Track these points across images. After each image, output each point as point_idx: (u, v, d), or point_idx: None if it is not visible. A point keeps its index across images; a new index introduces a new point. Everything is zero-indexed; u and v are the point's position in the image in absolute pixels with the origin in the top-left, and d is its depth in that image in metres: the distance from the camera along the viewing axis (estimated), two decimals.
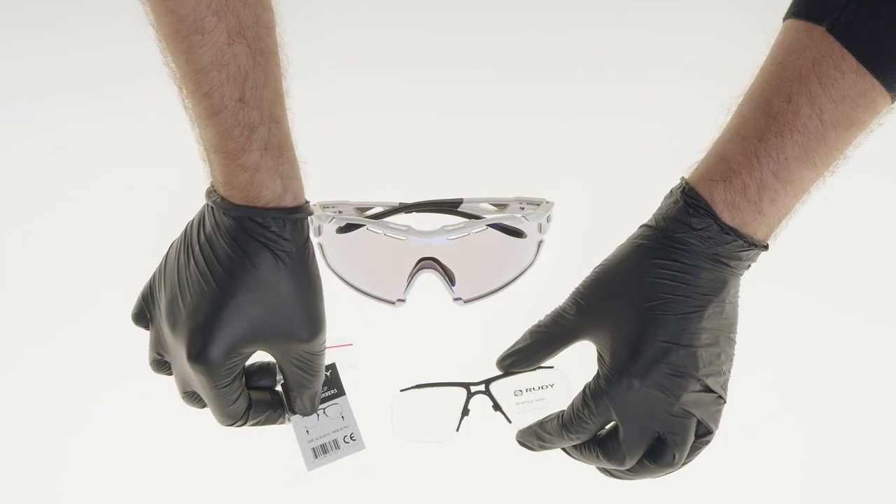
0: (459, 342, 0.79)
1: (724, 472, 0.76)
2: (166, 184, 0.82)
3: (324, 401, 0.72)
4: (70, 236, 0.83)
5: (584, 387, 0.64)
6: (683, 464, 0.65)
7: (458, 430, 0.75)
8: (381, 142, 0.83)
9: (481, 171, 0.83)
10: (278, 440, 0.74)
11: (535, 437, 0.68)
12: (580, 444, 0.66)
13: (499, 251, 0.78)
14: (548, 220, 0.79)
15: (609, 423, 0.65)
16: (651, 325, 0.61)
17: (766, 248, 0.63)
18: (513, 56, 0.85)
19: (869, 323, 0.79)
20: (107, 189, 0.84)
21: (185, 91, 0.61)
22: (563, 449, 0.68)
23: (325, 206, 0.80)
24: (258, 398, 0.68)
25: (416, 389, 0.75)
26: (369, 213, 0.81)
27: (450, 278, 0.78)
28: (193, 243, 0.64)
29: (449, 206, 0.81)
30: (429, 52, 0.85)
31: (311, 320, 0.64)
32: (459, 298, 0.78)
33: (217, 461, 0.77)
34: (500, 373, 0.71)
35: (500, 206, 0.82)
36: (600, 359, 0.64)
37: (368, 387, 0.76)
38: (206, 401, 0.66)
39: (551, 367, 0.75)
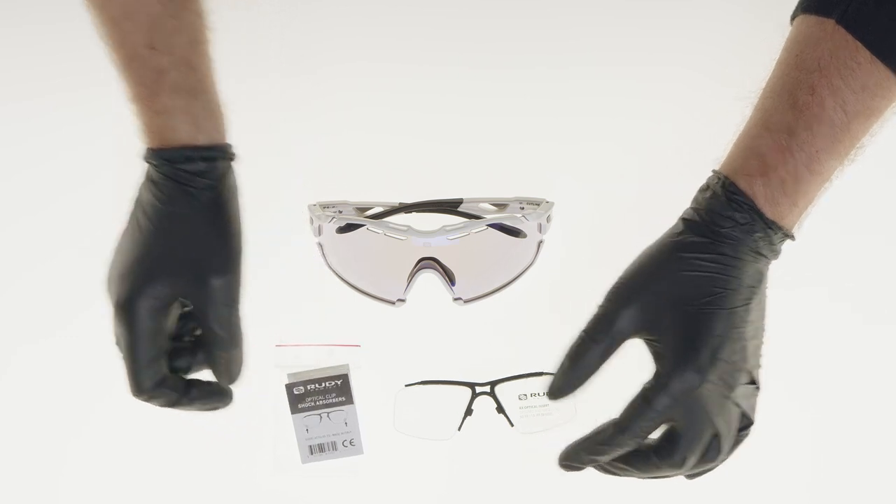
0: (459, 342, 0.79)
1: (726, 471, 0.76)
2: None
3: (331, 406, 0.72)
4: (69, 236, 0.83)
5: (642, 388, 0.63)
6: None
7: (460, 429, 0.75)
8: (381, 141, 0.83)
9: (481, 171, 0.83)
10: (274, 434, 0.74)
11: (584, 451, 0.65)
12: (633, 453, 0.64)
13: (499, 251, 0.78)
14: (548, 220, 0.79)
15: (666, 423, 0.63)
16: (707, 321, 0.61)
17: (794, 239, 0.64)
18: (513, 55, 0.85)
19: (869, 323, 0.80)
20: (105, 189, 0.84)
21: (106, 45, 0.64)
22: (607, 467, 0.66)
23: (325, 206, 0.80)
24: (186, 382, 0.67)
25: (421, 386, 0.75)
26: (369, 213, 0.81)
27: (450, 278, 0.78)
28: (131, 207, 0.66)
29: (449, 206, 0.82)
30: (429, 51, 0.85)
31: (223, 254, 0.65)
32: (459, 298, 0.78)
33: (214, 455, 0.77)
34: (504, 376, 0.72)
35: (500, 206, 0.82)
36: (657, 356, 0.63)
37: (367, 386, 0.76)
38: (123, 360, 0.64)
39: None
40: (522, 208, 0.80)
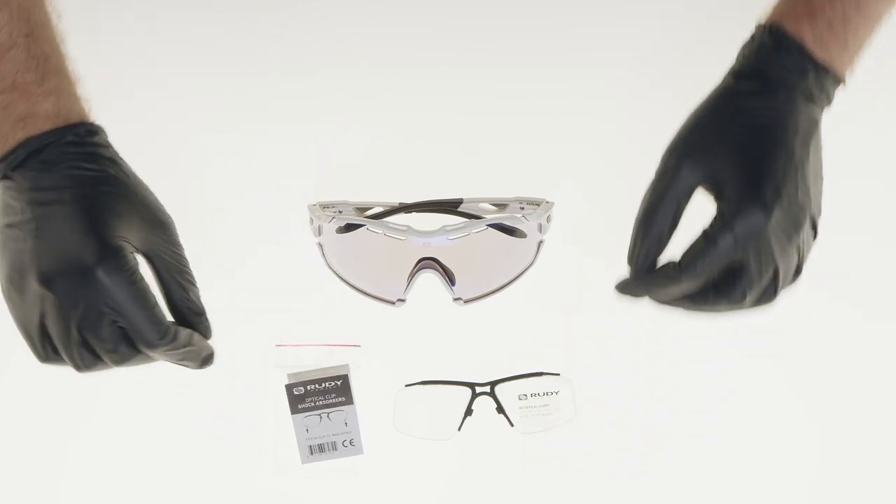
0: (459, 342, 0.79)
1: (726, 472, 0.76)
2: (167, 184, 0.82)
3: (331, 407, 0.72)
4: None
5: (704, 231, 0.62)
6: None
7: (460, 429, 0.75)
8: (381, 141, 0.83)
9: (481, 171, 0.83)
10: (274, 434, 0.74)
11: (645, 284, 0.65)
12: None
13: (499, 251, 0.78)
14: (548, 220, 0.79)
15: (729, 262, 0.62)
16: (769, 162, 0.61)
17: (845, 84, 0.64)
18: (513, 55, 0.85)
19: (869, 320, 0.80)
20: None
21: None
22: (664, 301, 0.65)
23: (325, 206, 0.80)
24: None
25: (421, 386, 0.75)
26: (369, 213, 0.81)
27: (450, 278, 0.78)
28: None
29: (449, 206, 0.81)
30: (429, 51, 0.85)
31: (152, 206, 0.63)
32: (459, 298, 0.78)
33: (214, 455, 0.77)
34: (504, 376, 0.72)
35: (500, 206, 0.82)
36: (720, 197, 0.62)
37: (367, 386, 0.76)
38: (126, 314, 0.59)
39: (557, 374, 0.75)
40: (522, 208, 0.80)
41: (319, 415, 0.71)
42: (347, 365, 0.73)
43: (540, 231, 0.78)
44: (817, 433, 0.78)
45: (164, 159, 0.83)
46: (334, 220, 0.77)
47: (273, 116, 0.83)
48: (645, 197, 0.65)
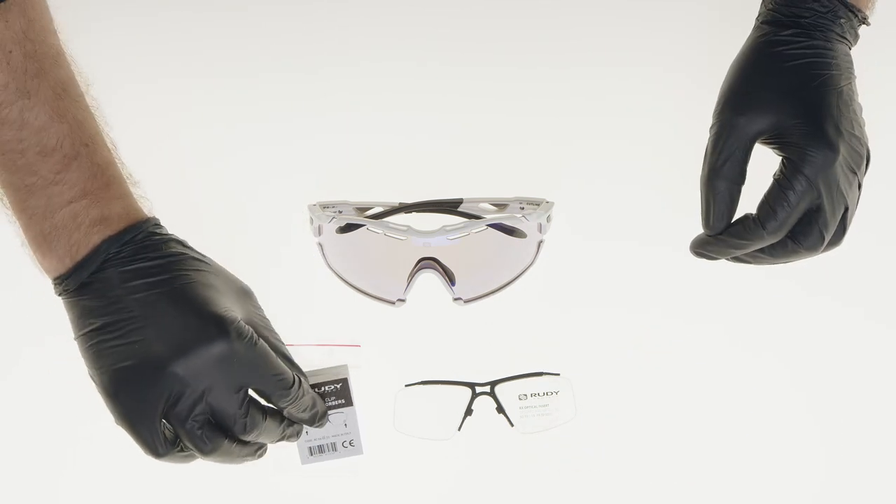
0: (459, 342, 0.79)
1: (727, 471, 0.76)
2: (167, 183, 0.82)
3: (330, 408, 0.72)
4: None
5: (775, 180, 0.64)
6: None
7: (460, 429, 0.75)
8: (381, 141, 0.83)
9: (481, 171, 0.83)
10: None
11: (725, 243, 0.65)
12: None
13: (499, 251, 0.78)
14: (548, 220, 0.79)
15: (807, 206, 0.63)
16: (822, 100, 0.63)
17: (869, 23, 0.67)
18: (513, 54, 0.85)
19: (870, 320, 0.80)
20: None
21: (23, 159, 0.59)
22: (742, 257, 0.66)
23: (325, 206, 0.80)
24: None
25: (421, 386, 0.75)
26: (369, 213, 0.81)
27: (450, 278, 0.78)
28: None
29: (449, 206, 0.81)
30: (429, 50, 0.85)
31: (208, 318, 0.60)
32: (459, 298, 0.78)
33: None
34: (504, 376, 0.71)
35: (500, 206, 0.82)
36: (784, 144, 0.64)
37: (367, 386, 0.76)
38: (258, 373, 0.59)
39: (557, 374, 0.75)
40: (522, 208, 0.80)
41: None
42: (346, 366, 0.73)
43: (540, 231, 0.78)
44: (819, 433, 0.78)
45: (165, 159, 0.83)
46: (334, 220, 0.77)
47: (273, 116, 0.83)
48: (707, 157, 0.66)
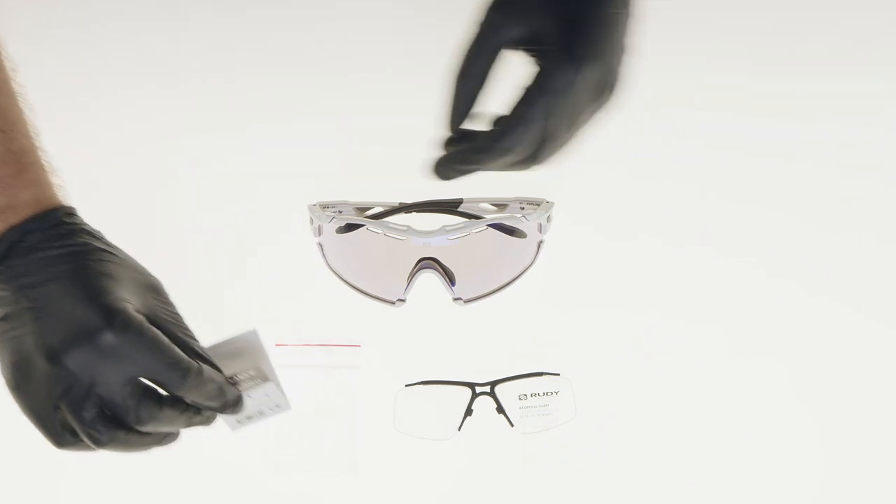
0: (459, 342, 0.79)
1: (728, 469, 0.76)
2: (167, 184, 0.82)
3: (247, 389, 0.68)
4: None
5: (519, 95, 0.61)
6: None
7: (460, 429, 0.75)
8: (381, 141, 0.83)
9: (481, 171, 0.83)
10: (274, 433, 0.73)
11: (459, 163, 0.64)
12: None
13: (499, 251, 0.78)
14: (548, 220, 0.79)
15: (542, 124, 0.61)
16: (592, 12, 0.60)
17: None
18: (512, 54, 0.85)
19: (870, 320, 0.80)
20: (108, 189, 0.84)
21: None
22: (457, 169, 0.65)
23: (325, 206, 0.80)
24: None
25: (421, 386, 0.75)
26: (369, 213, 0.81)
27: (450, 278, 0.78)
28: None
29: (449, 206, 0.82)
30: (429, 50, 0.85)
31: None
32: (459, 298, 0.78)
33: (214, 455, 0.77)
34: (504, 376, 0.71)
35: (500, 206, 0.82)
36: (539, 56, 0.62)
37: (368, 386, 0.76)
38: (148, 363, 0.57)
39: (557, 374, 0.75)
40: (522, 208, 0.80)
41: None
42: (261, 349, 0.68)
43: (540, 231, 0.78)
44: (819, 433, 0.78)
45: (165, 159, 0.84)
46: (334, 220, 0.77)
47: (273, 117, 0.83)
48: (463, 56, 0.63)
